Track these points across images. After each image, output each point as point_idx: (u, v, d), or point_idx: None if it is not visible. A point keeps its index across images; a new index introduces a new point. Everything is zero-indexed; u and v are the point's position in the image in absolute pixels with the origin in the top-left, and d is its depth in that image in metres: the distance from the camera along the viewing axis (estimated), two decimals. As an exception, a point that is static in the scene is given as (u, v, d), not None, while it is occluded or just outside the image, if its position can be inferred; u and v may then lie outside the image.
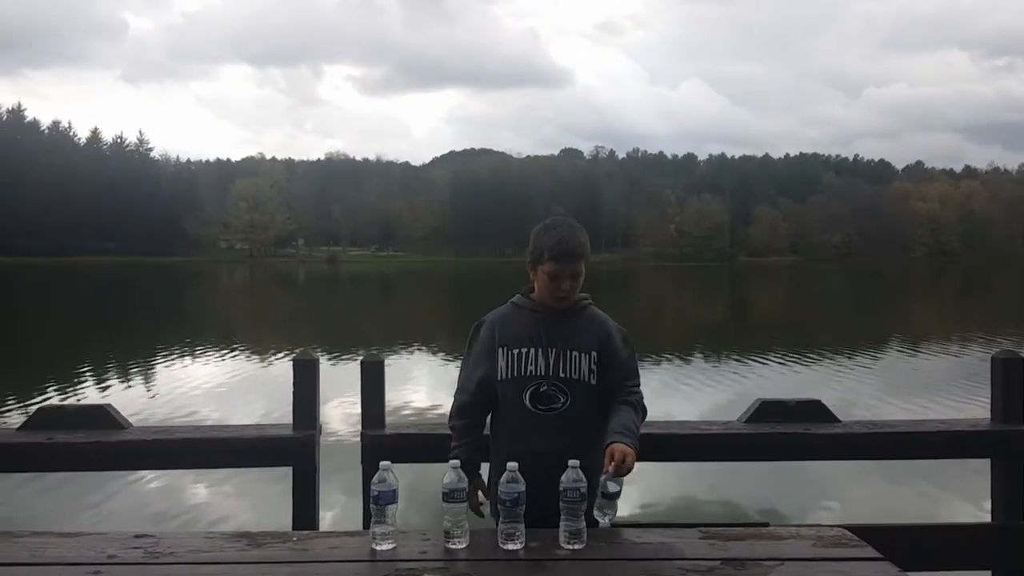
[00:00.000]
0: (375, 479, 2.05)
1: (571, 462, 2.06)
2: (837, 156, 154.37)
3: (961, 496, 6.14)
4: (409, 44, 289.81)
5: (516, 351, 2.44)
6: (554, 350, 2.42)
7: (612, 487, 2.09)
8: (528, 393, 2.41)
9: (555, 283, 2.41)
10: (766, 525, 2.43)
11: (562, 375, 2.40)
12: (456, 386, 2.60)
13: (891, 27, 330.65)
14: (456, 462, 2.09)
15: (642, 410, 2.44)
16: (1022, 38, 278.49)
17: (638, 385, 2.49)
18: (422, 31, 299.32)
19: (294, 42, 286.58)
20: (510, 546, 2.03)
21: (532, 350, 2.43)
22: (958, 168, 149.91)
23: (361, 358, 3.07)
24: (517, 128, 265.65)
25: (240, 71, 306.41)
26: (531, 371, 2.42)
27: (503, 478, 2.05)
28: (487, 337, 2.51)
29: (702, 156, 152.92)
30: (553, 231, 2.42)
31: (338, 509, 5.04)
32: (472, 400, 2.52)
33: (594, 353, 2.42)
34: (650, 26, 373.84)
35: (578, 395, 2.40)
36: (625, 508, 2.33)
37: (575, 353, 2.41)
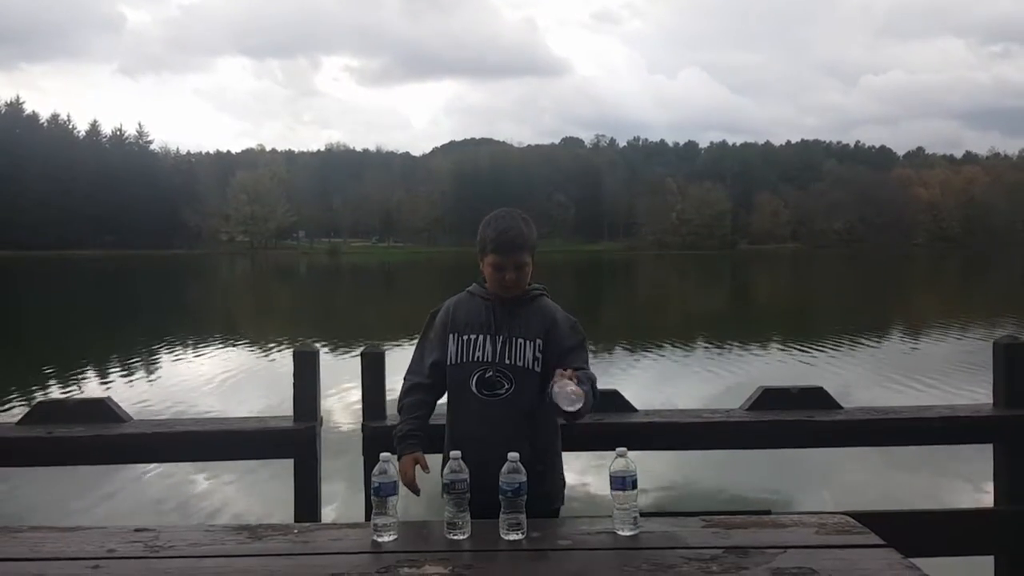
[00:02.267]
0: (376, 471, 2.04)
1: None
2: (838, 143, 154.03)
3: (964, 481, 6.14)
4: (407, 35, 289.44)
5: (466, 337, 2.49)
6: (501, 337, 2.45)
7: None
8: (474, 378, 2.45)
9: (499, 274, 2.45)
10: (768, 513, 2.43)
11: (507, 361, 2.43)
12: (407, 368, 2.62)
13: (887, 15, 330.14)
14: (457, 453, 2.08)
15: (592, 386, 2.32)
16: (1018, 24, 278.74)
17: (587, 368, 2.43)
18: (420, 21, 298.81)
19: (291, 34, 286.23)
20: (512, 536, 2.02)
21: (480, 336, 2.47)
22: (959, 154, 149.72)
23: (362, 349, 3.06)
24: (516, 118, 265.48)
25: (238, 63, 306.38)
26: (478, 357, 2.46)
27: (504, 468, 2.04)
28: (441, 323, 2.56)
29: (703, 144, 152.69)
30: (496, 223, 2.47)
31: (339, 501, 5.05)
32: (424, 382, 2.56)
33: (539, 341, 2.44)
34: (647, 15, 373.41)
35: (522, 382, 2.42)
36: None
37: (520, 340, 2.44)
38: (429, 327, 2.61)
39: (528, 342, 2.44)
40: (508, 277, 2.44)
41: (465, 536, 2.03)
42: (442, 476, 2.07)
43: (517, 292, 2.49)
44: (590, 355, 2.56)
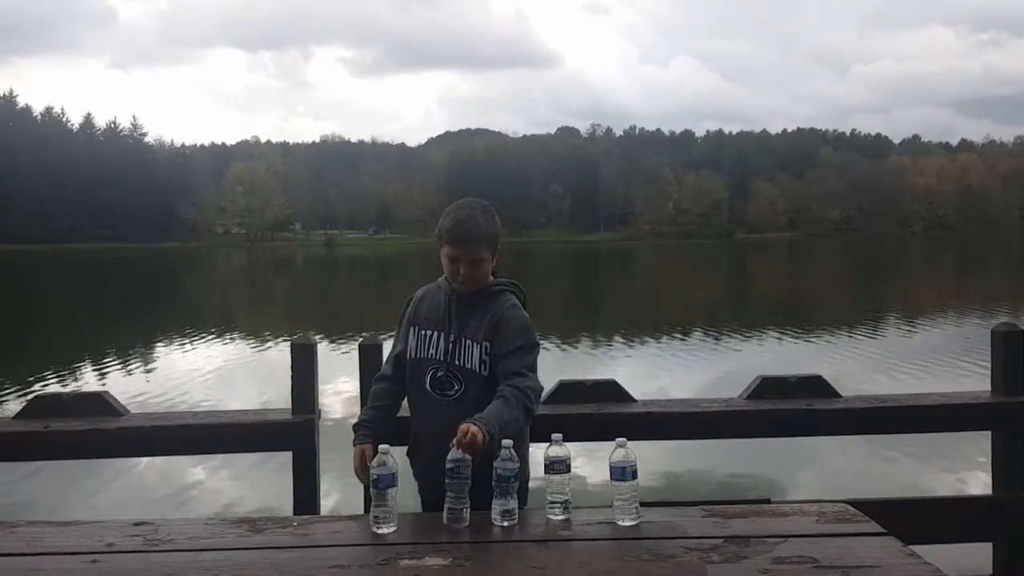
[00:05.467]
0: (374, 462, 2.04)
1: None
2: (834, 131, 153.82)
3: (962, 468, 6.16)
4: (398, 25, 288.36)
5: (424, 332, 2.46)
6: (453, 336, 2.41)
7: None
8: (428, 376, 2.42)
9: (453, 266, 2.40)
10: (768, 502, 2.43)
11: (457, 363, 2.39)
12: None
13: (875, 4, 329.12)
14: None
15: (520, 404, 2.25)
16: (1005, 12, 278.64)
17: (525, 377, 2.32)
18: (411, 12, 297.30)
19: (282, 25, 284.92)
20: (506, 523, 2.03)
21: (436, 333, 2.44)
22: (954, 142, 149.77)
23: (359, 341, 3.05)
24: (509, 109, 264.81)
25: (230, 55, 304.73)
26: (432, 354, 2.43)
27: (500, 455, 2.05)
28: (409, 314, 2.55)
29: (699, 134, 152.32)
30: (454, 213, 2.41)
31: (339, 493, 5.04)
32: (388, 373, 2.56)
33: (486, 344, 2.38)
34: (637, 4, 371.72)
35: (471, 384, 2.38)
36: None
37: (469, 342, 2.39)
38: (403, 315, 2.58)
39: (476, 344, 2.38)
40: (462, 271, 2.38)
41: (465, 524, 2.04)
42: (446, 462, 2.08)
43: (473, 288, 2.42)
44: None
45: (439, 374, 2.40)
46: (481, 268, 2.40)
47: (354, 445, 2.43)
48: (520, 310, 2.44)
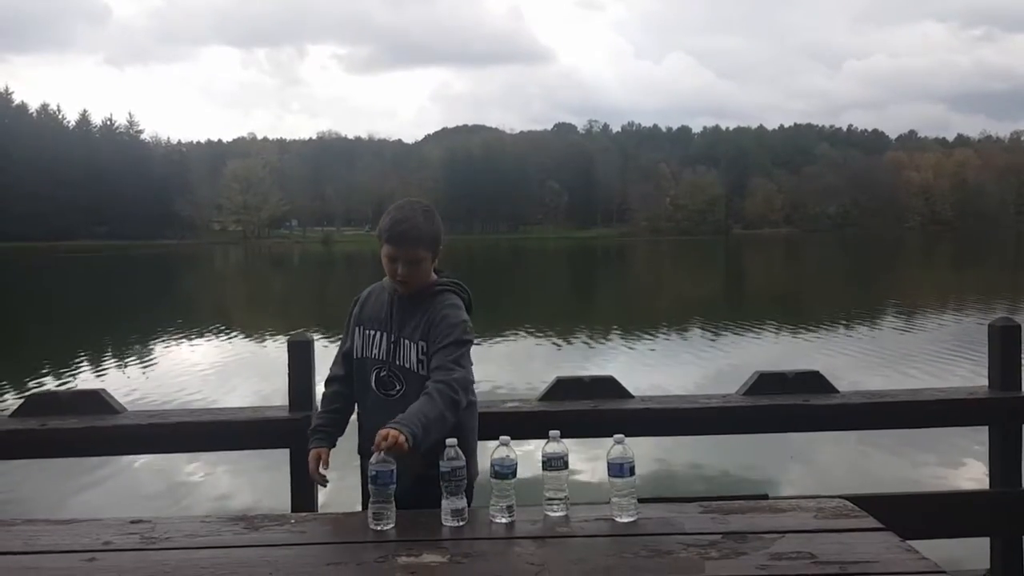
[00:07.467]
0: (372, 459, 2.03)
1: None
2: (831, 126, 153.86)
3: (960, 463, 6.17)
4: (392, 22, 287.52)
5: (368, 332, 2.47)
6: (394, 336, 2.42)
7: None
8: (373, 376, 2.43)
9: (392, 265, 2.41)
10: (766, 497, 2.43)
11: (398, 363, 2.40)
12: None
13: (866, 0, 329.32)
14: (453, 440, 2.08)
15: (445, 398, 2.21)
16: (997, 8, 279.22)
17: (451, 371, 2.29)
18: (404, 9, 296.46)
19: (276, 22, 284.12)
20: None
21: (379, 333, 2.45)
22: (950, 137, 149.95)
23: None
24: (504, 105, 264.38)
25: (224, 53, 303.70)
26: (375, 354, 2.44)
27: (495, 451, 2.05)
28: (355, 313, 2.55)
29: (695, 129, 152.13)
30: (394, 213, 2.43)
31: (336, 490, 5.03)
32: (340, 373, 2.55)
33: (423, 344, 2.38)
34: (630, 1, 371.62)
35: (412, 384, 2.37)
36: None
37: (407, 342, 2.40)
38: (350, 313, 2.58)
39: (412, 344, 2.39)
40: (400, 271, 2.39)
41: (462, 524, 2.03)
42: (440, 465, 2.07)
43: (412, 288, 2.42)
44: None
45: (383, 374, 2.42)
46: (419, 268, 2.40)
47: (309, 449, 2.44)
48: (456, 309, 2.41)
